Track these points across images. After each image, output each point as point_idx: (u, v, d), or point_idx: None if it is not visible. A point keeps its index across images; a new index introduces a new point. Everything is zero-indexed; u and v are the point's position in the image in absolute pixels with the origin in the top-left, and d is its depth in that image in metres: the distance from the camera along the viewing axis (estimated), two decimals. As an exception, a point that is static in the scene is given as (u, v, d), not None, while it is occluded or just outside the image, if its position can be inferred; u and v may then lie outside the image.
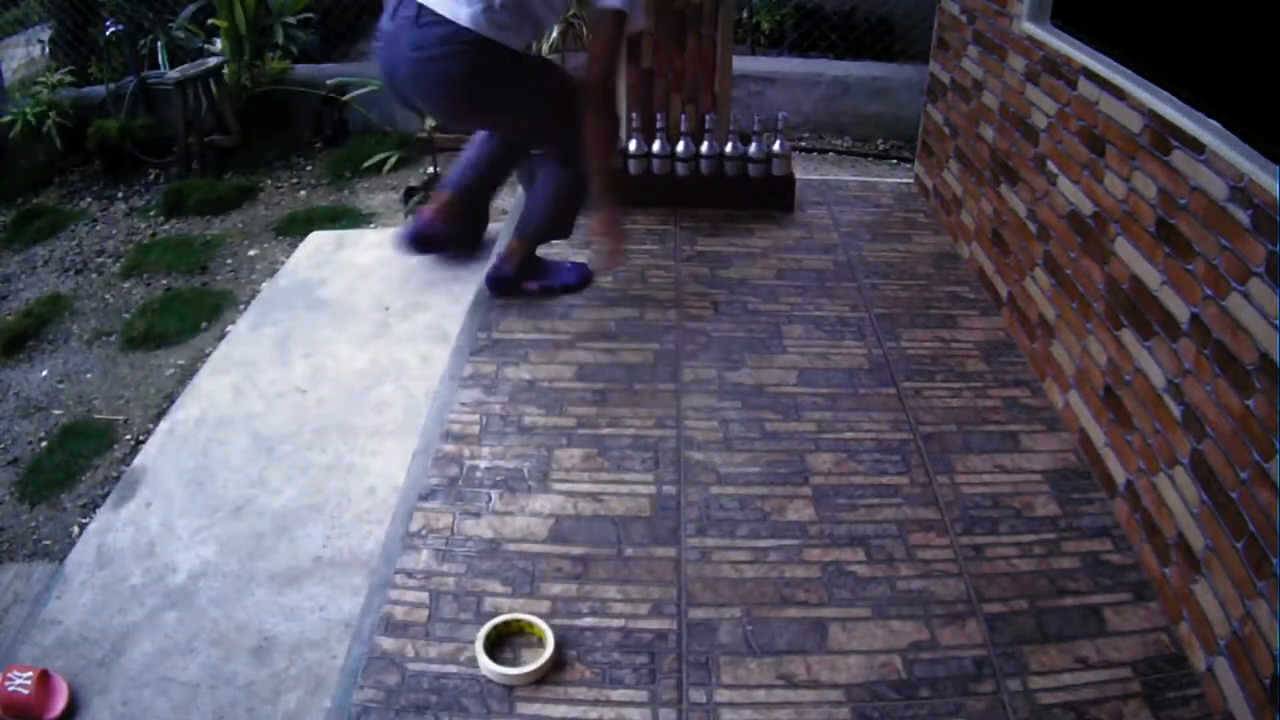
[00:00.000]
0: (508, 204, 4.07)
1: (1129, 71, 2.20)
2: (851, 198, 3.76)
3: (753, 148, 3.51)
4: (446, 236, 3.01)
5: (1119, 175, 2.20)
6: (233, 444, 2.82)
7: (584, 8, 2.66)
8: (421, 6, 2.47)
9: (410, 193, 3.82)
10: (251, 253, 4.26)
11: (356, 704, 1.70)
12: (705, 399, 2.51)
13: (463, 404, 2.49)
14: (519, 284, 2.97)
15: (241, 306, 3.75)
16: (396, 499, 2.29)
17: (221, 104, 5.05)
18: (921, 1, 5.03)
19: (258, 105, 5.19)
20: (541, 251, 3.05)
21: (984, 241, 3.07)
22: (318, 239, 4.10)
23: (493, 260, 2.98)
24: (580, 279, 3.03)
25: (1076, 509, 2.17)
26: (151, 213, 4.69)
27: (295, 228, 4.38)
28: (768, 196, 3.57)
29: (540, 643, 1.80)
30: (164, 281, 4.04)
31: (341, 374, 3.13)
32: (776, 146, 3.51)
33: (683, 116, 3.55)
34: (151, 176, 5.08)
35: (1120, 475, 2.15)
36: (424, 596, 1.92)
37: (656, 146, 3.49)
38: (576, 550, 2.03)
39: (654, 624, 1.86)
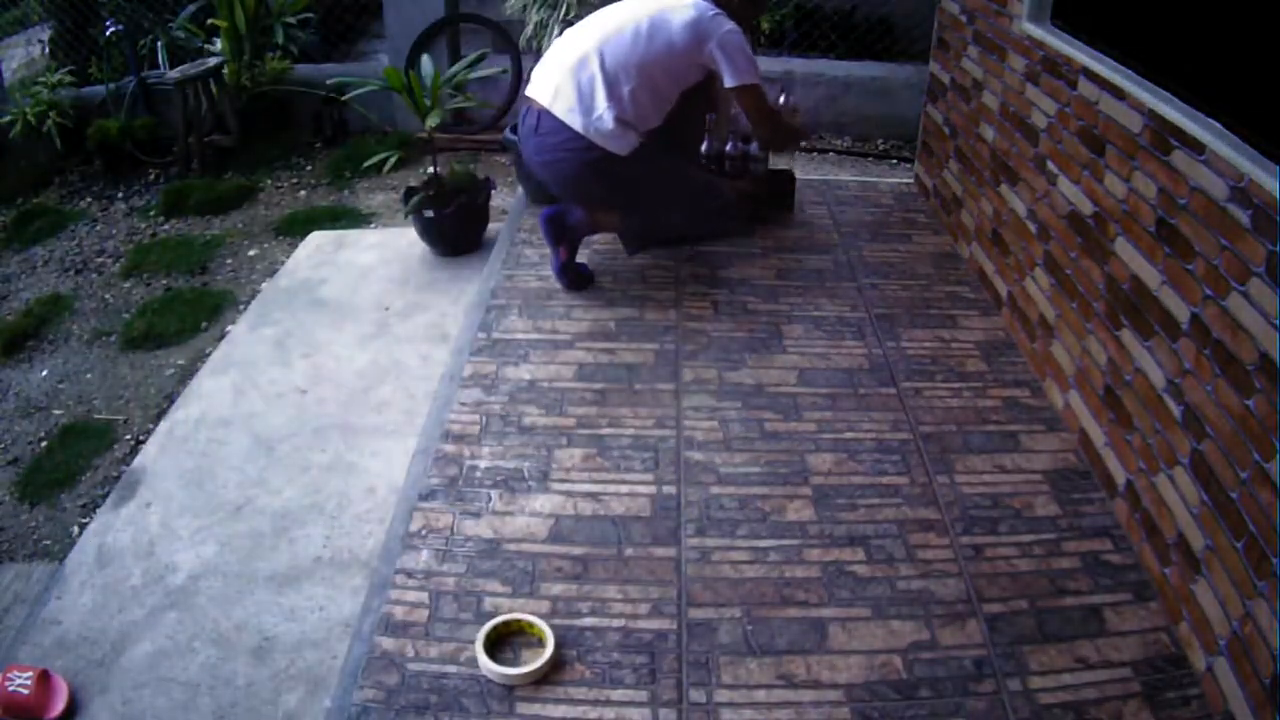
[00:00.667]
0: (508, 203, 4.08)
1: (1129, 71, 2.20)
2: (851, 198, 3.76)
3: (753, 147, 3.51)
4: (577, 235, 3.00)
5: (1119, 175, 2.20)
6: (233, 444, 2.82)
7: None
8: (540, 116, 2.86)
9: (410, 193, 3.82)
10: (251, 253, 4.26)
11: (356, 704, 1.70)
12: (705, 399, 2.51)
13: (463, 404, 2.49)
14: (567, 236, 2.96)
15: (241, 306, 3.75)
16: (396, 499, 2.29)
17: (221, 104, 5.05)
18: (921, 1, 5.02)
19: (258, 105, 5.19)
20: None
21: (984, 241, 3.07)
22: (318, 239, 4.11)
23: (572, 209, 2.97)
24: (580, 281, 3.03)
25: (1076, 509, 2.17)
26: (151, 213, 4.69)
27: (295, 228, 4.38)
28: (768, 196, 3.57)
29: (540, 643, 1.80)
30: (164, 281, 4.04)
31: (341, 374, 3.13)
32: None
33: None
34: (151, 176, 5.08)
35: (1120, 475, 2.15)
36: (424, 596, 1.92)
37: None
38: (576, 550, 2.03)
39: (654, 624, 1.86)
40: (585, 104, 2.78)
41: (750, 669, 1.78)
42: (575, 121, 2.78)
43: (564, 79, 2.82)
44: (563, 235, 2.95)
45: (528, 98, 2.94)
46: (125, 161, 5.07)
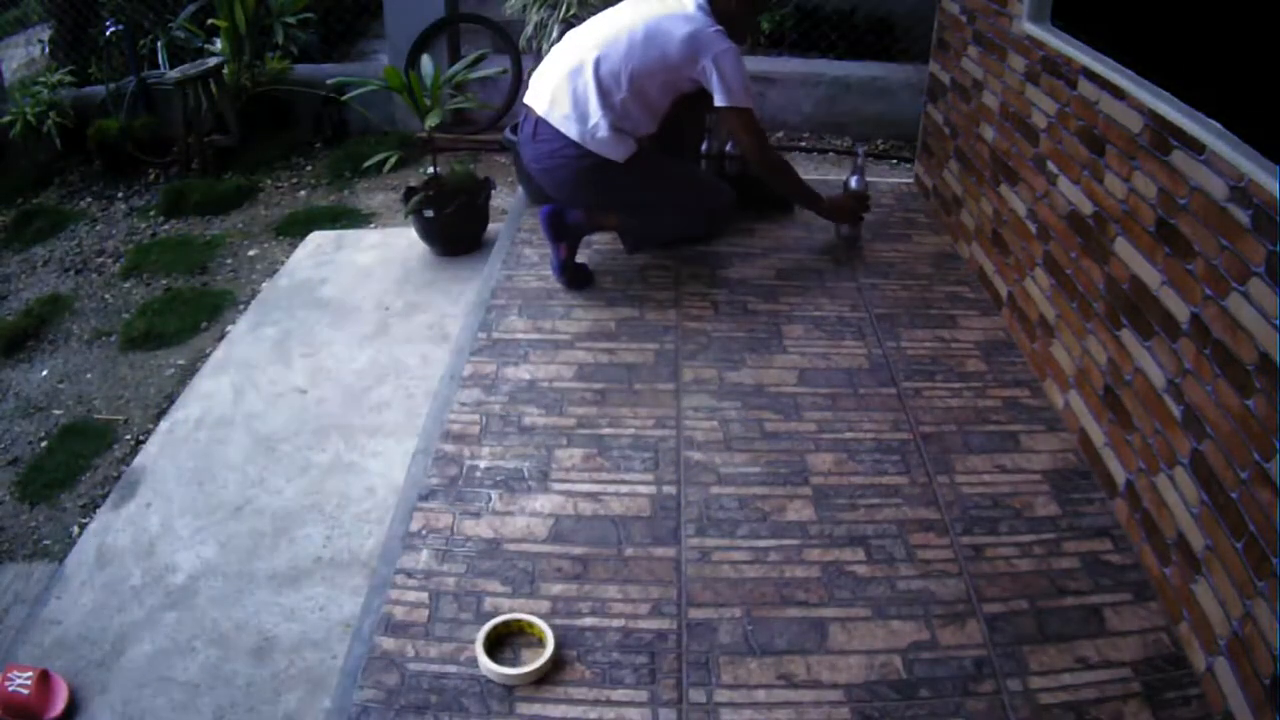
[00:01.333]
0: (508, 203, 4.08)
1: (1129, 71, 2.20)
2: (851, 198, 3.75)
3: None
4: (576, 234, 3.00)
5: (1119, 175, 2.20)
6: (233, 444, 2.82)
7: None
8: (537, 124, 2.86)
9: (410, 193, 3.82)
10: (251, 253, 4.26)
11: (356, 704, 1.70)
12: (705, 399, 2.51)
13: (463, 404, 2.49)
14: (567, 234, 2.96)
15: (241, 306, 3.75)
16: (396, 499, 2.29)
17: (221, 104, 5.05)
18: (921, 1, 5.02)
19: (258, 105, 5.19)
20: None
21: (984, 241, 3.07)
22: (318, 239, 4.11)
23: (573, 210, 2.97)
24: (580, 280, 3.04)
25: (1076, 509, 2.17)
26: (151, 213, 4.69)
27: (295, 228, 4.38)
28: (768, 196, 3.57)
29: (540, 643, 1.80)
30: (164, 281, 4.04)
31: (341, 374, 3.14)
32: None
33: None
34: (151, 176, 5.08)
35: (1120, 475, 2.15)
36: (424, 596, 1.92)
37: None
38: (576, 550, 2.03)
39: (654, 624, 1.86)
40: (580, 111, 2.78)
41: (750, 669, 1.78)
42: (571, 130, 2.79)
43: (560, 86, 2.82)
44: (562, 233, 2.95)
45: (526, 105, 2.95)
46: (125, 161, 5.07)
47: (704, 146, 3.52)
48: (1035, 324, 2.65)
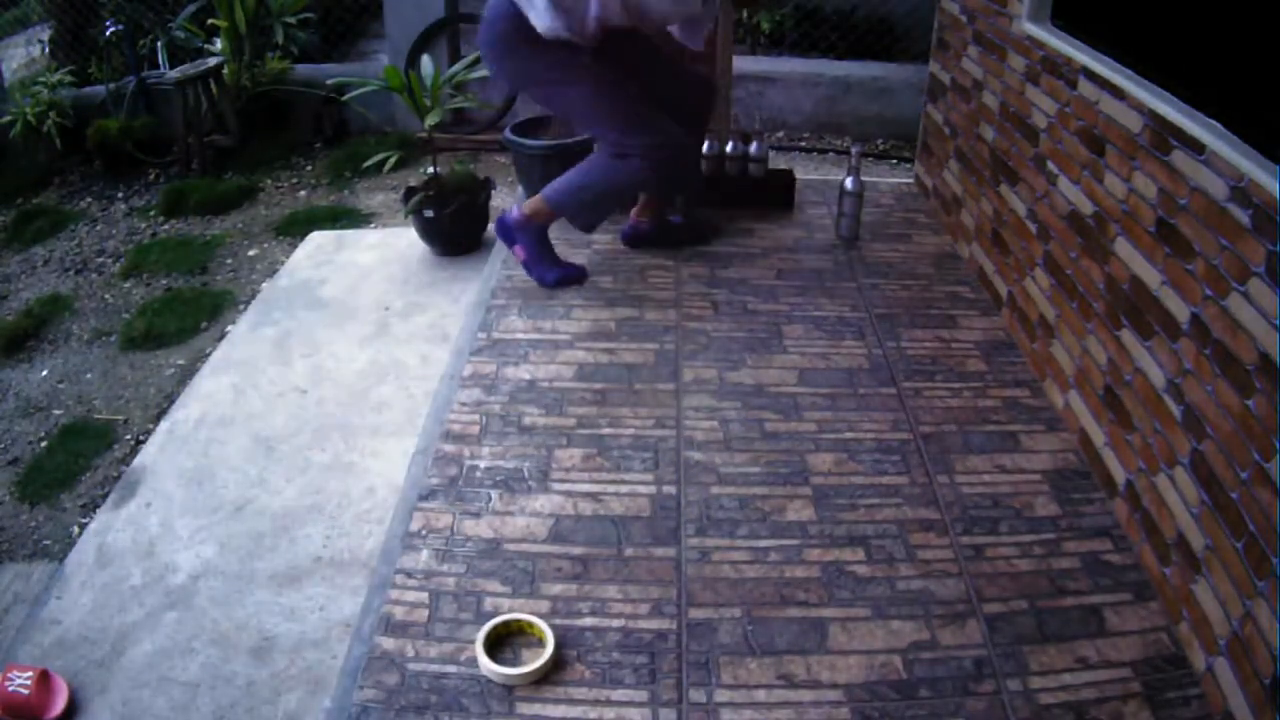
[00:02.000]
0: (508, 203, 4.08)
1: (1129, 71, 2.20)
2: (851, 198, 3.75)
3: (753, 147, 3.51)
4: (524, 229, 2.96)
5: (1119, 175, 2.20)
6: (233, 444, 2.82)
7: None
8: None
9: (410, 193, 3.82)
10: (251, 253, 4.26)
11: (356, 704, 1.70)
12: (705, 399, 2.51)
13: (463, 404, 2.49)
14: (513, 239, 2.94)
15: (241, 306, 3.75)
16: (396, 499, 2.29)
17: (221, 104, 5.05)
18: (921, 1, 5.03)
19: (258, 105, 5.19)
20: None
21: (984, 241, 3.07)
22: (318, 239, 4.11)
23: (509, 210, 2.96)
24: (560, 280, 3.00)
25: (1076, 509, 2.17)
26: (151, 213, 4.69)
27: (295, 228, 4.38)
28: (768, 196, 3.57)
29: (540, 643, 1.80)
30: (164, 281, 4.04)
31: (341, 374, 3.14)
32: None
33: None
34: (151, 176, 5.08)
35: (1120, 475, 2.15)
36: (424, 596, 1.92)
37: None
38: (576, 550, 2.03)
39: (654, 624, 1.86)
40: None
41: (750, 669, 1.78)
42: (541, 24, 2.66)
43: None
44: (509, 236, 2.94)
45: None
46: (125, 161, 5.07)
47: (704, 148, 3.51)
48: (1035, 324, 2.65)
